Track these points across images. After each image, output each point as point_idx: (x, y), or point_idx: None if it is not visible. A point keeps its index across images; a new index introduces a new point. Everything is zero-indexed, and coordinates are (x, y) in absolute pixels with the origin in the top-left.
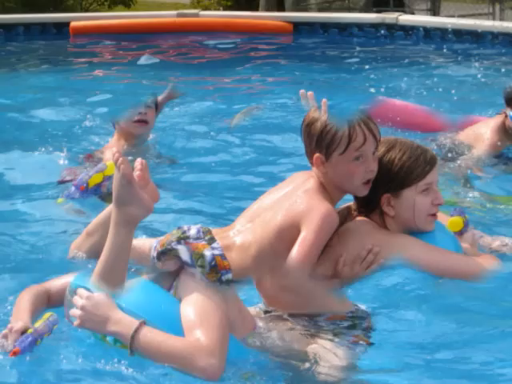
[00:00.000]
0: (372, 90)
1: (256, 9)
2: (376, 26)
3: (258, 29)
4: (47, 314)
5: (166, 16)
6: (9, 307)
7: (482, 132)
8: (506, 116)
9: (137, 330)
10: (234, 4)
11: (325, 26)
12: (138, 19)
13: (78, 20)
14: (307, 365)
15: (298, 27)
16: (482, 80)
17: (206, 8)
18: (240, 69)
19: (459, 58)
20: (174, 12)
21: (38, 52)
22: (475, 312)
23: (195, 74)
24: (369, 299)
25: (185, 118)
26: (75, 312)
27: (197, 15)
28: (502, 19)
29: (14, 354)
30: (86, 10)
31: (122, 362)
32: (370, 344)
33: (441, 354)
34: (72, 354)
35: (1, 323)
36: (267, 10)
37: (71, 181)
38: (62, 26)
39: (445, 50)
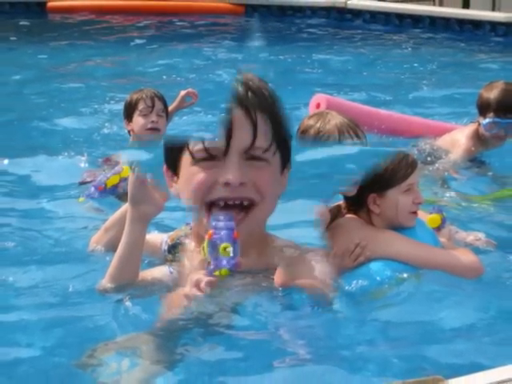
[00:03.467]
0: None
1: None
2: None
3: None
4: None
5: None
6: (36, 294)
7: (458, 138)
8: (479, 124)
9: None
10: None
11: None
12: None
13: None
14: None
15: None
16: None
17: None
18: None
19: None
20: None
21: None
22: (454, 301)
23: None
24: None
25: (192, 126)
26: None
27: None
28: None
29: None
30: None
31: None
32: None
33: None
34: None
35: (28, 311)
36: None
37: (91, 182)
38: None
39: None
